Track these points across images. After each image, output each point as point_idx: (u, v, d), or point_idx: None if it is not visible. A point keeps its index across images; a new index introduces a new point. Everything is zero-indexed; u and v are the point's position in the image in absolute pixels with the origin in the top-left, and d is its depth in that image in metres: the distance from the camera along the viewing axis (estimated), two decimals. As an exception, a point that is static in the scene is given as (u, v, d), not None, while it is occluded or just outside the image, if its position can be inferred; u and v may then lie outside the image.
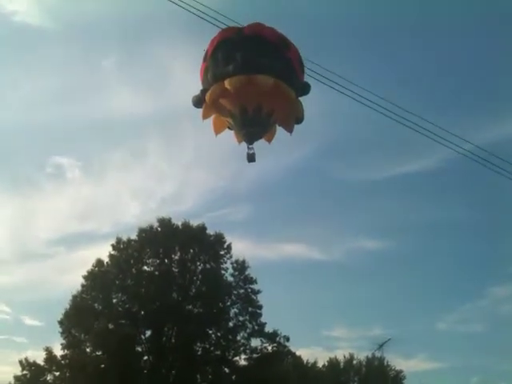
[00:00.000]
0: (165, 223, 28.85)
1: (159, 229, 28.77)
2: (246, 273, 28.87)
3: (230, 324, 28.17)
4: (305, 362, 39.26)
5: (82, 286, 27.56)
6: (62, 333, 26.71)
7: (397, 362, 45.24)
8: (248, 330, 27.94)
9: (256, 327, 28.01)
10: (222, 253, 28.98)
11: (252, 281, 28.75)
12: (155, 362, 26.35)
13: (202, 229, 29.01)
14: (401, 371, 43.85)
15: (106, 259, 28.10)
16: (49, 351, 26.00)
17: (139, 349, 26.81)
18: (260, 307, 28.45)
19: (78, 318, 26.30)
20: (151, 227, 28.71)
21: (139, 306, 27.19)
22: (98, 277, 27.45)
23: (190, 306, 27.82)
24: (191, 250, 28.60)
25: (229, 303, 28.56)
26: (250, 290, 28.67)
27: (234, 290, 28.66)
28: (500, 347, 46.85)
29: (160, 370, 26.15)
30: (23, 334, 40.67)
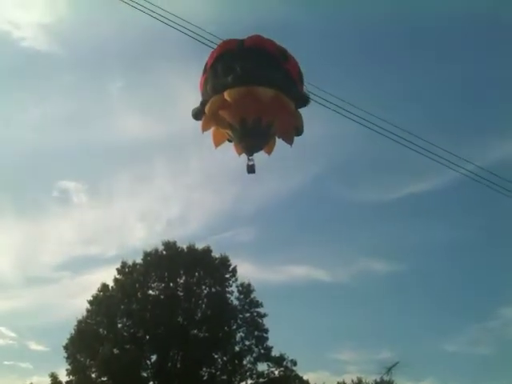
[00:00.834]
0: (170, 246, 28.83)
1: (164, 252, 28.74)
2: (252, 296, 28.74)
3: (236, 348, 27.89)
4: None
5: (87, 310, 27.55)
6: (67, 358, 26.61)
7: (406, 385, 44.26)
8: (254, 354, 27.66)
9: (262, 351, 27.72)
10: (227, 276, 28.88)
11: (258, 304, 28.56)
12: (161, 387, 26.04)
13: (207, 251, 28.98)
14: (411, 396, 43.06)
15: (111, 283, 28.16)
16: (54, 377, 26.00)
17: (144, 374, 26.55)
18: (266, 331, 28.20)
19: (83, 343, 26.20)
20: (156, 251, 28.71)
21: (144, 330, 27.02)
22: (102, 301, 27.37)
23: (196, 331, 27.60)
24: (196, 274, 28.53)
25: (235, 327, 28.31)
26: (255, 314, 28.49)
27: (239, 313, 28.46)
28: (510, 370, 45.72)
29: (165, 396, 25.82)
30: (28, 359, 40.04)
